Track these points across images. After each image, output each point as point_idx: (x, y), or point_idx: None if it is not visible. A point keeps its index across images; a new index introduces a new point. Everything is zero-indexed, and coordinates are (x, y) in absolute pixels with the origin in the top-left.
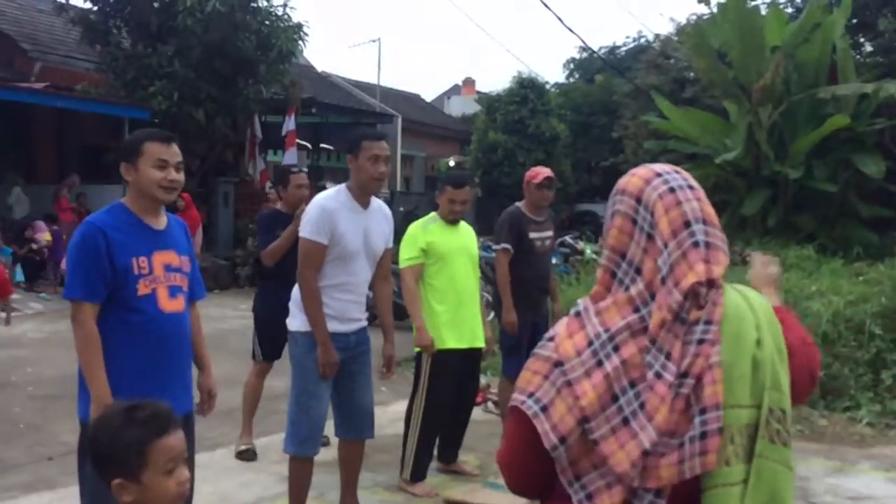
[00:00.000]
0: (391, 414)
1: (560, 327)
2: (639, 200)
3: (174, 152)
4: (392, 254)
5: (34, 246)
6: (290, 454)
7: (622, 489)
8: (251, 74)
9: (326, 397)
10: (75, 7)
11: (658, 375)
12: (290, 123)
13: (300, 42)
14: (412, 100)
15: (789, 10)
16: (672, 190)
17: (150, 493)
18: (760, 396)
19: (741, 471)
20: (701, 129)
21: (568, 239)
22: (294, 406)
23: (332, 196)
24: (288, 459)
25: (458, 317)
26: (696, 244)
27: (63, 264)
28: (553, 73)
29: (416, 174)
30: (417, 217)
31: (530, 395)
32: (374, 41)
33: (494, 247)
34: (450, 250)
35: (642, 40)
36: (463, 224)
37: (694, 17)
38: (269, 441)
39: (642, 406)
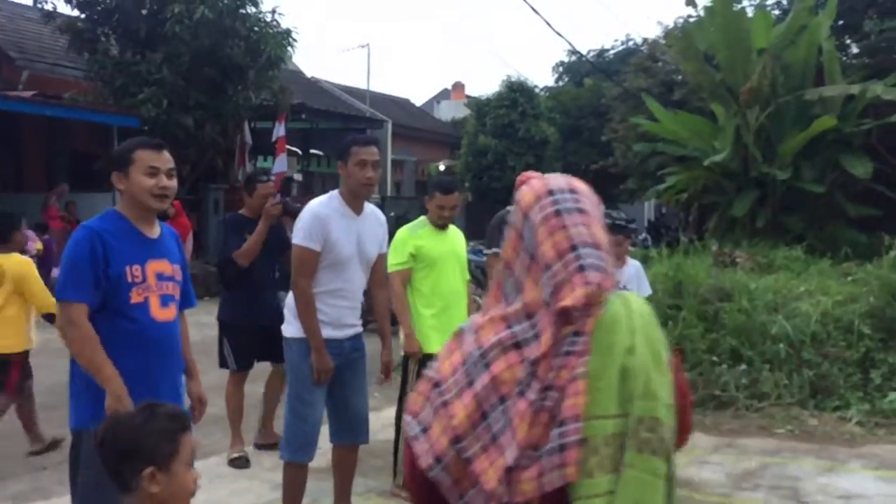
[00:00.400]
0: (384, 419)
1: (443, 347)
2: (526, 217)
3: (165, 159)
4: (386, 259)
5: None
6: (286, 461)
7: None
8: (240, 81)
9: (321, 404)
10: (63, 15)
11: (521, 393)
12: (279, 130)
13: (289, 48)
14: (402, 104)
15: (776, 12)
16: (559, 213)
17: (176, 483)
18: (629, 405)
19: (607, 482)
20: (689, 131)
21: None
22: (289, 413)
23: (324, 202)
24: (282, 466)
25: (445, 321)
26: (581, 268)
27: (53, 272)
28: (543, 77)
29: (406, 179)
30: (408, 221)
31: (415, 417)
32: (363, 46)
33: (486, 251)
34: (439, 255)
35: (631, 43)
36: (452, 228)
37: (681, 21)
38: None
39: (510, 422)
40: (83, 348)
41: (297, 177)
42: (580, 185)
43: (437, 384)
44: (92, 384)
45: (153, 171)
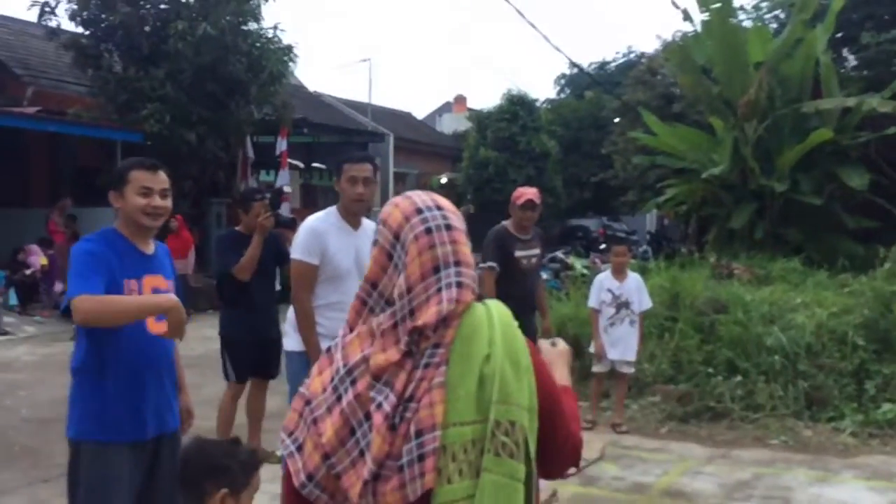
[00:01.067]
0: None
1: (315, 365)
2: (397, 237)
3: (159, 179)
4: None
5: (27, 270)
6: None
7: None
8: (242, 96)
9: None
10: (67, 32)
11: (379, 406)
12: (282, 144)
13: (290, 63)
14: (403, 118)
15: (773, 25)
16: (429, 231)
17: None
18: (487, 410)
19: (466, 486)
20: (688, 144)
21: (559, 254)
22: None
23: (321, 218)
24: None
25: None
26: (439, 290)
27: (57, 286)
28: (545, 89)
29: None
30: None
31: (290, 434)
32: (365, 60)
33: (480, 265)
34: None
35: (632, 56)
36: None
37: (679, 35)
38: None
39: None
40: (98, 306)
41: (287, 189)
42: (445, 201)
43: (308, 401)
44: (89, 396)
45: (146, 191)
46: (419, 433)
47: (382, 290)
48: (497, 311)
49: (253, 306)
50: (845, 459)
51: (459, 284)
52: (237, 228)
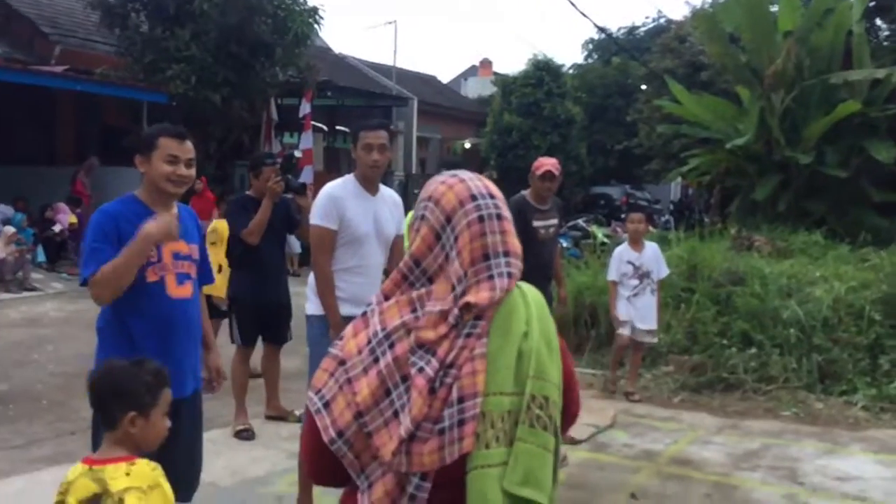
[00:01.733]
0: None
1: (349, 326)
2: (448, 220)
3: (186, 149)
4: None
5: (56, 228)
6: None
7: (393, 476)
8: (267, 58)
9: None
10: None
11: (420, 370)
12: (305, 107)
13: (315, 25)
14: (428, 81)
15: None
16: (481, 219)
17: (151, 428)
18: (524, 384)
19: (502, 453)
20: (713, 113)
21: (580, 222)
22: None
23: (339, 185)
24: (298, 437)
25: None
26: (490, 277)
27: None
28: (572, 54)
29: (431, 156)
30: None
31: (317, 392)
32: (390, 23)
33: None
34: None
35: (662, 20)
36: None
37: (709, 1)
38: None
39: (410, 398)
40: (102, 282)
41: (298, 153)
42: (496, 189)
43: (342, 361)
44: (112, 355)
45: (173, 159)
46: (461, 399)
47: (426, 268)
48: (531, 293)
49: (262, 270)
50: (855, 433)
51: (510, 275)
52: (248, 193)
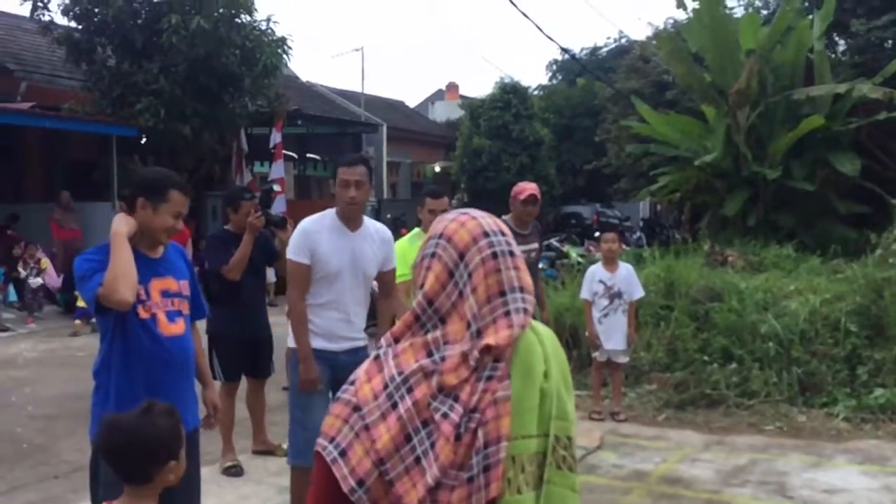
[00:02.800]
0: None
1: (361, 371)
2: (461, 257)
3: (187, 204)
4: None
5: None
6: (291, 465)
7: None
8: (236, 89)
9: (322, 409)
10: (60, 26)
11: (445, 416)
12: (276, 137)
13: (284, 56)
14: (396, 107)
15: (765, 12)
16: (495, 256)
17: (181, 466)
18: (548, 426)
19: (532, 497)
20: (680, 132)
21: (554, 242)
22: (291, 419)
23: (315, 219)
24: (286, 470)
25: None
26: (507, 313)
27: (55, 282)
28: (537, 75)
29: (402, 181)
30: (405, 223)
31: (331, 440)
32: (357, 50)
33: None
34: None
35: (623, 41)
36: None
37: (671, 21)
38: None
39: (433, 445)
40: (111, 279)
41: (277, 188)
42: (506, 227)
43: (357, 407)
44: (112, 397)
45: (178, 214)
46: (486, 444)
47: (439, 307)
48: (542, 330)
49: (242, 305)
50: (838, 444)
51: (525, 311)
52: (227, 227)
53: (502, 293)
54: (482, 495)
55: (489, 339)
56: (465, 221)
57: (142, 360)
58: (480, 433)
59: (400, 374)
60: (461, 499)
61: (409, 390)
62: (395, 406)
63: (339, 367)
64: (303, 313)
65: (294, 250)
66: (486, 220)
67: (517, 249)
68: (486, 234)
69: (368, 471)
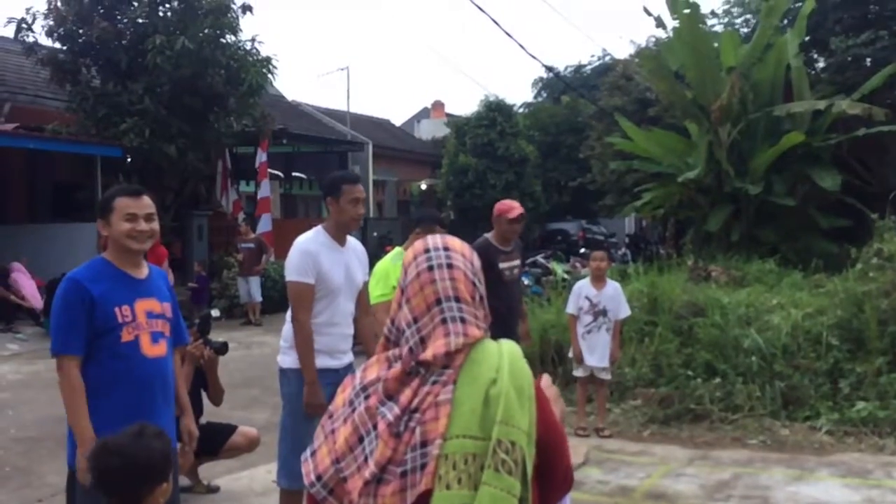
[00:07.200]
0: None
1: (342, 384)
2: (406, 273)
3: (143, 204)
4: (367, 287)
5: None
6: (283, 488)
7: None
8: (221, 109)
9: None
10: (44, 47)
11: (383, 416)
12: (262, 156)
13: (269, 75)
14: (382, 125)
15: (745, 30)
16: (430, 269)
17: (171, 487)
18: (491, 430)
19: (465, 496)
20: (663, 149)
21: (540, 259)
22: (284, 442)
23: (310, 238)
24: (273, 491)
25: None
26: (443, 321)
27: (39, 303)
28: (522, 92)
29: (388, 199)
30: (391, 241)
31: (311, 446)
32: (342, 69)
33: None
34: None
35: (607, 58)
36: None
37: (653, 40)
38: (253, 474)
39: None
40: (68, 398)
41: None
42: (455, 243)
43: (331, 415)
44: (93, 420)
45: (131, 216)
46: (424, 443)
47: (398, 324)
48: (507, 347)
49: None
50: (821, 457)
51: (463, 320)
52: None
53: (438, 301)
54: (416, 491)
55: (427, 352)
56: (415, 245)
57: (123, 381)
58: (418, 431)
59: (362, 383)
60: (395, 491)
61: (367, 397)
62: (353, 411)
63: (338, 384)
64: (311, 336)
65: (299, 272)
66: (435, 239)
67: (460, 263)
68: (427, 250)
69: (327, 468)
